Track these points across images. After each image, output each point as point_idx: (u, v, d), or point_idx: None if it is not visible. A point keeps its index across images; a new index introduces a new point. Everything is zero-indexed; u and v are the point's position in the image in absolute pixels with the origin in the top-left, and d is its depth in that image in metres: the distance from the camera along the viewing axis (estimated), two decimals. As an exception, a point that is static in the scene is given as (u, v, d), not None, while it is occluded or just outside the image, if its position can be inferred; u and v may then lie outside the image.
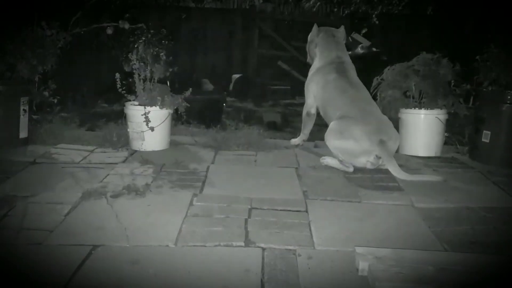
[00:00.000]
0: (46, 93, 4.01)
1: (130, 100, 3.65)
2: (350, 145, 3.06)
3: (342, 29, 3.73)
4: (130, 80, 3.67)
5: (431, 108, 3.57)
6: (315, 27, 3.71)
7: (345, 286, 1.77)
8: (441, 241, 2.13)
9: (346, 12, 10.51)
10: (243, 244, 2.06)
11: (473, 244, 2.11)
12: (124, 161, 3.28)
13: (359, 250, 1.93)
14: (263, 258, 1.94)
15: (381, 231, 2.23)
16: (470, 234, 2.22)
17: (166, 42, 3.86)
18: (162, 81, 3.75)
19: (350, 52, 4.26)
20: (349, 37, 9.84)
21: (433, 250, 2.03)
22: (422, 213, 2.46)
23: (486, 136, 3.41)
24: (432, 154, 3.59)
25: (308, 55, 3.80)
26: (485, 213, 2.47)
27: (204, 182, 2.85)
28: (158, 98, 3.54)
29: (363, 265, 1.82)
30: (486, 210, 2.50)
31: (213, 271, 1.84)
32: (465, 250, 2.05)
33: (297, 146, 3.81)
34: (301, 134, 3.80)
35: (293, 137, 3.94)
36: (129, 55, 3.69)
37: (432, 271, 1.77)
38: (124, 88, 3.60)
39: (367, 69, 4.16)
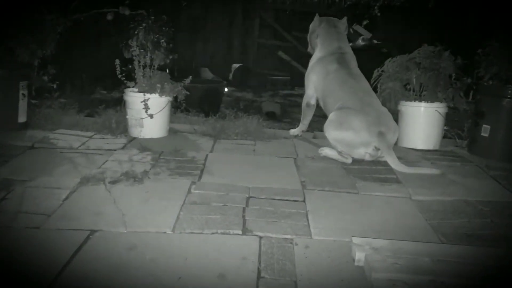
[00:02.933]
0: (45, 78, 4.00)
1: (129, 87, 3.63)
2: (349, 136, 3.05)
3: (344, 20, 3.71)
4: (130, 66, 3.65)
5: (431, 101, 3.57)
6: (316, 17, 3.69)
7: (341, 276, 1.77)
8: (437, 233, 2.14)
9: (347, 3, 10.45)
10: (240, 232, 2.07)
11: (470, 237, 2.12)
12: (122, 148, 3.28)
13: (356, 240, 1.93)
14: (260, 247, 1.95)
15: (378, 222, 2.23)
16: (467, 227, 2.23)
17: (167, 29, 3.83)
18: (161, 69, 3.73)
19: (351, 44, 4.24)
20: (351, 29, 9.81)
21: (430, 242, 2.04)
22: (420, 206, 2.46)
23: (485, 130, 3.41)
24: (431, 147, 3.60)
25: (309, 45, 3.78)
26: (482, 207, 2.47)
27: (202, 170, 2.85)
28: (158, 85, 3.53)
29: (359, 256, 1.83)
30: (483, 204, 2.51)
31: (210, 258, 1.84)
32: (462, 243, 2.06)
33: (296, 136, 3.81)
34: (300, 124, 3.80)
35: (292, 128, 3.94)
36: (129, 42, 3.67)
37: (428, 263, 1.78)
38: (123, 74, 3.59)
39: (368, 61, 4.14)
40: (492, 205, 2.51)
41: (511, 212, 2.44)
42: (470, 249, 1.97)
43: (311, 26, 3.72)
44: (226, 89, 7.00)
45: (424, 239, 2.06)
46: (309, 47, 3.78)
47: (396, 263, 1.76)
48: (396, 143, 3.34)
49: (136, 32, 3.69)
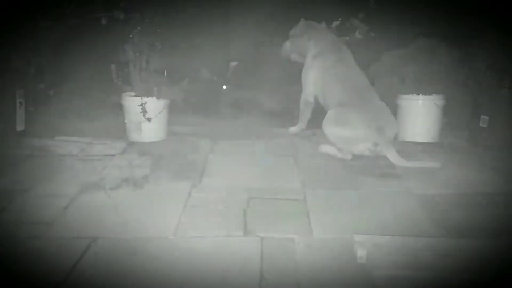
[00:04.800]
0: (42, 85, 3.98)
1: (126, 91, 3.63)
2: (348, 132, 3.05)
3: (323, 24, 3.74)
4: (126, 70, 3.64)
5: (429, 94, 3.57)
6: (303, 21, 3.69)
7: (343, 273, 1.77)
8: (439, 227, 2.14)
9: (343, -3, 10.40)
10: (242, 234, 2.07)
11: (471, 230, 2.12)
12: (122, 153, 3.28)
13: (357, 237, 1.93)
14: (262, 248, 1.95)
15: (379, 218, 2.23)
16: (467, 220, 2.23)
17: (161, 31, 3.82)
18: (158, 71, 3.72)
19: (347, 38, 4.24)
20: (347, 23, 9.77)
21: (431, 236, 2.04)
22: (420, 200, 2.46)
23: (484, 121, 3.41)
24: (430, 140, 3.59)
25: (287, 51, 3.80)
26: (482, 199, 2.47)
27: (202, 173, 2.85)
28: (155, 88, 3.52)
29: (361, 253, 1.83)
30: (484, 196, 2.51)
31: (212, 261, 1.84)
32: (463, 236, 2.05)
33: (295, 134, 3.80)
34: (299, 122, 3.79)
35: (291, 126, 3.93)
36: (124, 45, 3.65)
37: (430, 258, 1.78)
38: (120, 78, 3.58)
39: (365, 55, 4.13)
40: (492, 197, 2.50)
41: (512, 203, 2.44)
42: (472, 243, 1.97)
43: (297, 30, 3.72)
44: (224, 87, 6.96)
45: (426, 234, 2.06)
46: (286, 53, 3.80)
47: (398, 260, 1.76)
48: (395, 137, 3.34)
49: (131, 36, 3.68)
